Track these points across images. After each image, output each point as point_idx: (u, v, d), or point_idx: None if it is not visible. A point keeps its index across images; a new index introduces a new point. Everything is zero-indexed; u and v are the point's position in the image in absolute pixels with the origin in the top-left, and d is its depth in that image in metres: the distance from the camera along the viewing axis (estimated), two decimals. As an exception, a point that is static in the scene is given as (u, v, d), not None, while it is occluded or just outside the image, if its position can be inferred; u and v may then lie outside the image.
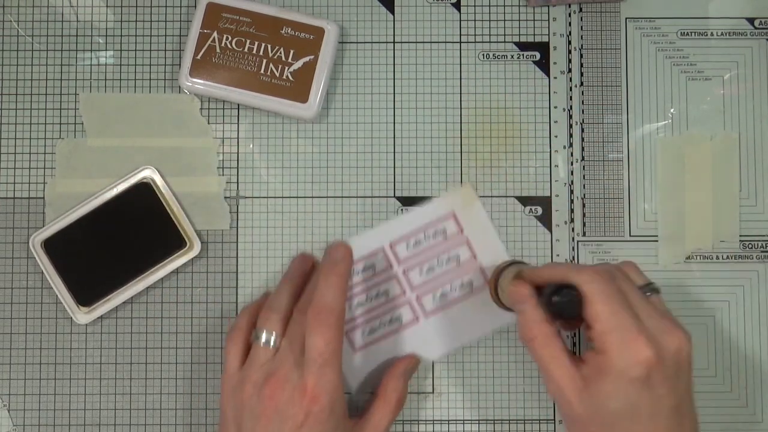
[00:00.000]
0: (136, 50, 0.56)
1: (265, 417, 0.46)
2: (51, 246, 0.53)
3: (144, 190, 0.54)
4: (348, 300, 0.54)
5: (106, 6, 0.56)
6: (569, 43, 0.56)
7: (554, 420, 0.54)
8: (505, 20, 0.56)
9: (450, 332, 0.54)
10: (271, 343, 0.48)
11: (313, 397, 0.46)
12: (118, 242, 0.54)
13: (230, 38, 0.53)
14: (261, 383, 0.47)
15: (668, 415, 0.43)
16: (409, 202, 0.55)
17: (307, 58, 0.53)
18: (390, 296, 0.54)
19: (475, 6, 0.56)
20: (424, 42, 0.56)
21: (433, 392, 0.55)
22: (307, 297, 0.50)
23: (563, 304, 0.45)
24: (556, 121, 0.56)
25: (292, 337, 0.48)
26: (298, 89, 0.53)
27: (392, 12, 0.56)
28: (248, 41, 0.53)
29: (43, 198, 0.55)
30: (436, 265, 0.54)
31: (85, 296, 0.53)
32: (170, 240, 0.54)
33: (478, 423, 0.54)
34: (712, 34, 0.56)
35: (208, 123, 0.56)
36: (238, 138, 0.56)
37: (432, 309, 0.54)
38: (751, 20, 0.56)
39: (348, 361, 0.54)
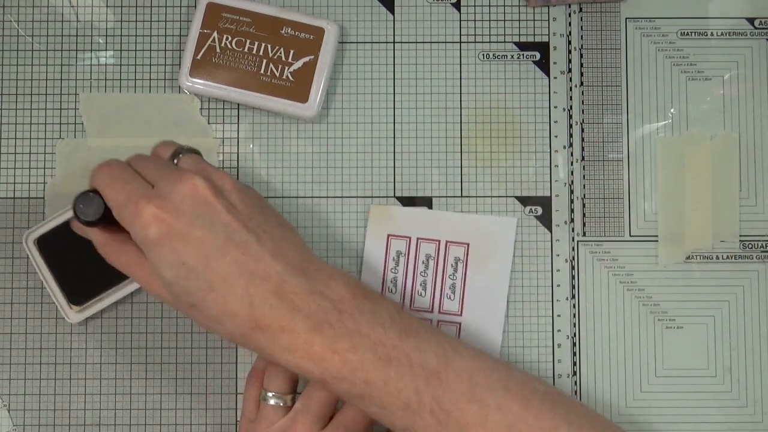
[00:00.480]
0: (136, 50, 0.56)
1: None
2: (44, 244, 0.53)
3: None
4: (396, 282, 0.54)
5: (106, 6, 0.56)
6: (569, 43, 0.56)
7: (554, 420, 0.54)
8: (505, 20, 0.56)
9: None
10: (282, 404, 0.47)
11: None
12: None
13: (230, 38, 0.53)
14: None
15: (219, 253, 0.41)
16: (409, 202, 0.55)
17: (307, 58, 0.53)
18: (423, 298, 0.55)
19: (475, 6, 0.56)
20: (424, 42, 0.56)
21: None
22: None
23: (83, 209, 0.45)
24: (556, 121, 0.56)
25: (310, 404, 0.47)
26: (298, 89, 0.53)
27: (392, 12, 0.56)
28: (248, 41, 0.53)
29: (43, 198, 0.55)
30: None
31: (77, 295, 0.53)
32: None
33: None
34: (712, 34, 0.56)
35: (208, 123, 0.56)
36: (238, 138, 0.56)
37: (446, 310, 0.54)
38: (751, 20, 0.56)
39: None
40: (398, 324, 0.43)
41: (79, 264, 0.53)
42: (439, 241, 0.55)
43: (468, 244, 0.54)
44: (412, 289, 0.54)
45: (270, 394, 0.47)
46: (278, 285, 0.42)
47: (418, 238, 0.54)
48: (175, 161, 0.46)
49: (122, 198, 0.43)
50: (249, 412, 0.49)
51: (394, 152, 0.56)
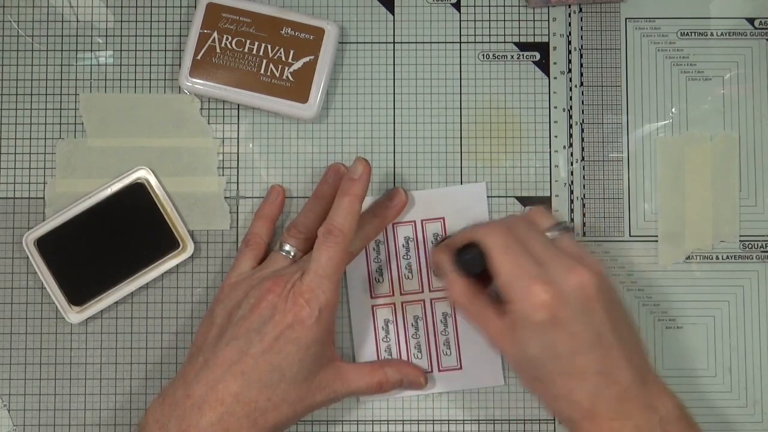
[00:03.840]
0: (136, 50, 0.56)
1: (258, 308, 0.47)
2: (44, 245, 0.53)
3: (138, 190, 0.54)
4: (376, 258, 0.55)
5: (106, 6, 0.56)
6: (569, 43, 0.56)
7: (554, 420, 0.54)
8: (505, 20, 0.56)
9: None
10: (291, 255, 0.51)
11: (306, 301, 0.47)
12: (111, 243, 0.54)
13: (230, 38, 0.53)
14: (267, 277, 0.49)
15: (588, 349, 0.44)
16: (409, 202, 0.55)
17: (307, 59, 0.53)
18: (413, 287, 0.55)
19: (475, 6, 0.56)
20: (424, 42, 0.56)
21: (433, 392, 0.55)
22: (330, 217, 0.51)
23: (468, 261, 0.48)
24: (556, 121, 0.56)
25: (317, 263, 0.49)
26: (298, 89, 0.53)
27: (392, 12, 0.56)
28: (248, 41, 0.53)
29: (43, 198, 0.55)
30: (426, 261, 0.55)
31: (77, 295, 0.53)
32: (163, 241, 0.54)
33: (478, 423, 0.54)
34: (712, 34, 0.56)
35: (208, 123, 0.56)
36: (238, 138, 0.56)
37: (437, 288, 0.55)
38: (751, 20, 0.56)
39: (363, 303, 0.54)
40: None
41: (79, 264, 0.54)
42: (415, 222, 0.55)
43: (443, 218, 0.55)
44: (398, 275, 0.54)
45: (287, 246, 0.51)
46: (624, 391, 0.45)
47: (393, 224, 0.55)
48: (549, 234, 0.48)
49: (515, 271, 0.46)
50: (242, 266, 0.52)
51: (394, 152, 0.56)
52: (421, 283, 0.54)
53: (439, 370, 0.54)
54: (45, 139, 0.55)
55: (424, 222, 0.55)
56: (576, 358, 0.45)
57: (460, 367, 0.54)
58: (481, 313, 0.48)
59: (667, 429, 0.44)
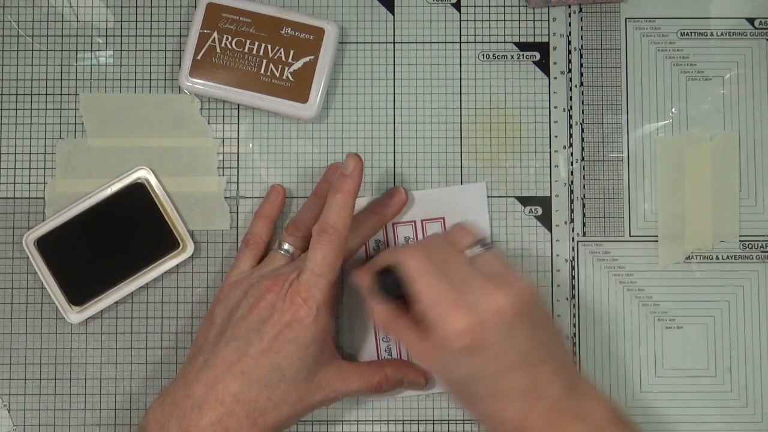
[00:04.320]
0: (136, 50, 0.56)
1: (257, 308, 0.47)
2: (44, 245, 0.53)
3: (138, 190, 0.54)
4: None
5: (106, 6, 0.56)
6: (569, 43, 0.56)
7: (554, 420, 0.54)
8: (505, 20, 0.56)
9: None
10: (290, 253, 0.51)
11: (303, 301, 0.47)
12: (110, 243, 0.54)
13: (230, 38, 0.53)
14: (266, 276, 0.49)
15: (513, 370, 0.44)
16: (409, 202, 0.55)
17: (307, 59, 0.53)
18: None
19: (475, 6, 0.56)
20: (424, 42, 0.56)
21: (433, 392, 0.55)
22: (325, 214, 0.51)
23: (387, 285, 0.48)
24: (556, 121, 0.56)
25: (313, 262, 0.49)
26: (298, 89, 0.53)
27: (392, 12, 0.56)
28: (248, 41, 0.53)
29: (43, 198, 0.55)
30: None
31: (77, 295, 0.53)
32: (163, 241, 0.54)
33: (478, 423, 0.54)
34: (712, 34, 0.56)
35: (208, 123, 0.56)
36: (238, 138, 0.56)
37: None
38: (751, 20, 0.56)
39: (362, 303, 0.54)
40: None
41: (79, 264, 0.54)
42: (415, 221, 0.55)
43: (443, 218, 0.55)
44: None
45: (286, 245, 0.52)
46: (554, 404, 0.44)
47: (393, 224, 0.55)
48: (469, 252, 0.48)
49: (433, 297, 0.45)
50: (243, 265, 0.52)
51: (394, 152, 0.56)
52: None
53: None
54: (45, 139, 0.55)
55: (424, 222, 0.55)
56: (501, 379, 0.44)
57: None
58: (403, 335, 0.48)
59: None
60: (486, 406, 0.45)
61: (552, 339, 0.47)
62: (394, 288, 0.48)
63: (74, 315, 0.53)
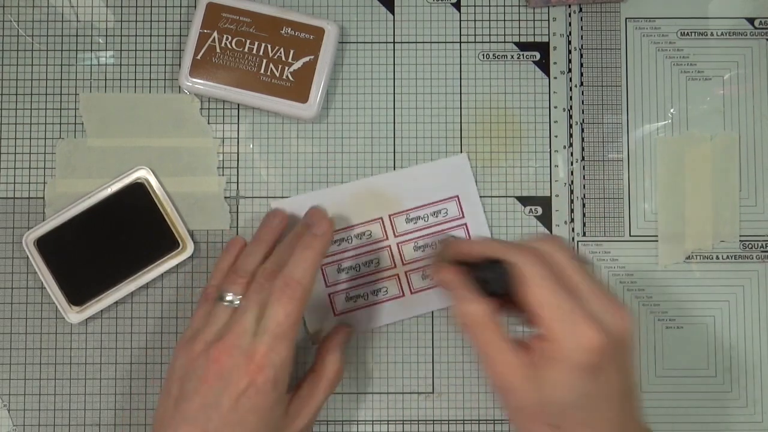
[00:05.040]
0: (136, 50, 0.56)
1: (208, 381, 0.44)
2: (44, 245, 0.53)
3: (138, 190, 0.54)
4: (337, 263, 0.54)
5: (106, 6, 0.56)
6: (569, 43, 0.56)
7: (554, 420, 0.54)
8: (505, 20, 0.56)
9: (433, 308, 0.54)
10: (233, 304, 0.47)
11: (260, 368, 0.44)
12: (110, 242, 0.54)
13: (230, 38, 0.53)
14: (210, 343, 0.45)
15: (619, 399, 0.42)
16: (409, 202, 0.55)
17: (307, 58, 0.53)
18: (380, 266, 0.54)
19: (475, 6, 0.56)
20: (424, 42, 0.56)
21: (433, 392, 0.55)
22: (275, 259, 0.48)
23: (491, 281, 0.43)
24: (556, 121, 0.56)
25: (251, 302, 0.46)
26: (298, 89, 0.53)
27: (392, 12, 0.56)
28: (248, 41, 0.53)
29: (43, 198, 0.55)
30: (430, 244, 0.54)
31: (77, 295, 0.53)
32: (163, 241, 0.54)
33: (478, 423, 0.54)
34: (712, 34, 0.56)
35: (208, 123, 0.56)
36: (238, 138, 0.56)
37: (420, 287, 0.54)
38: (751, 20, 0.56)
39: (326, 323, 0.54)
40: None
41: (79, 264, 0.54)
42: (382, 217, 0.55)
43: (466, 224, 0.55)
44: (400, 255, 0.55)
45: (228, 296, 0.48)
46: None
47: (389, 215, 0.55)
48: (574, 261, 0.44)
49: (559, 306, 0.41)
50: (195, 323, 0.48)
51: (394, 152, 0.56)
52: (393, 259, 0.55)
53: (411, 293, 0.54)
54: (45, 139, 0.55)
55: (392, 216, 0.54)
56: (605, 408, 0.41)
57: (436, 285, 0.54)
58: (493, 342, 0.42)
59: None
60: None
61: (635, 380, 0.44)
62: (497, 286, 0.43)
63: (74, 315, 0.54)
